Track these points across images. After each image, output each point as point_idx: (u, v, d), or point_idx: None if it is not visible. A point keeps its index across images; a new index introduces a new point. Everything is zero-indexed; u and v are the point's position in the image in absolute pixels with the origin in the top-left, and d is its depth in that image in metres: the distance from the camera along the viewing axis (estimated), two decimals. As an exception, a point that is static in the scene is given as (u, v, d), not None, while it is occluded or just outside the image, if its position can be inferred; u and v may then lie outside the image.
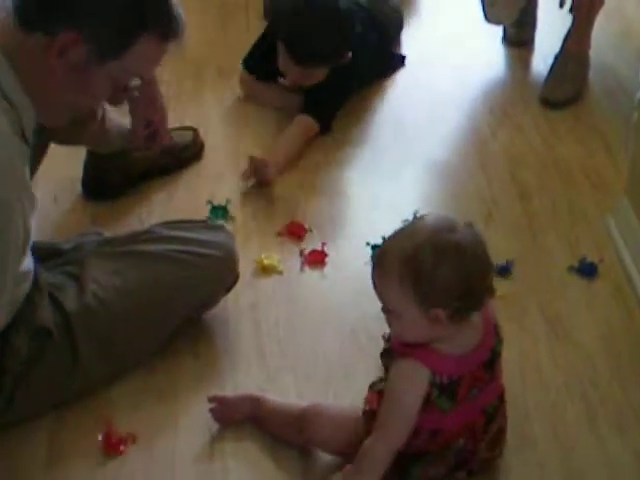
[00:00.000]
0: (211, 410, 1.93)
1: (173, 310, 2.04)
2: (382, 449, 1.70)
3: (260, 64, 2.91)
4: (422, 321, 1.64)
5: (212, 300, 2.13)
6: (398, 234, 1.71)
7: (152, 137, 2.34)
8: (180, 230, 2.12)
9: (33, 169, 2.04)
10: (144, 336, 2.02)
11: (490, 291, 1.69)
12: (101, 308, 1.95)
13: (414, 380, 1.66)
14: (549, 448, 1.91)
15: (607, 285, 2.30)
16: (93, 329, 1.94)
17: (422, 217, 1.74)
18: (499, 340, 1.77)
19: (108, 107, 2.28)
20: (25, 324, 1.87)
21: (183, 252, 2.05)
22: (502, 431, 1.82)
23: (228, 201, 2.50)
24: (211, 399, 1.94)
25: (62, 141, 2.30)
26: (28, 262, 1.85)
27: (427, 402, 1.67)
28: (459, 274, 1.61)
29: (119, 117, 2.39)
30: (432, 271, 1.61)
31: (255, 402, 1.93)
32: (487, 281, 1.67)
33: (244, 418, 1.93)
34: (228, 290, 2.15)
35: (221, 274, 2.10)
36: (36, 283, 1.91)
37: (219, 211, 2.48)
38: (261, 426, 1.92)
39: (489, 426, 1.76)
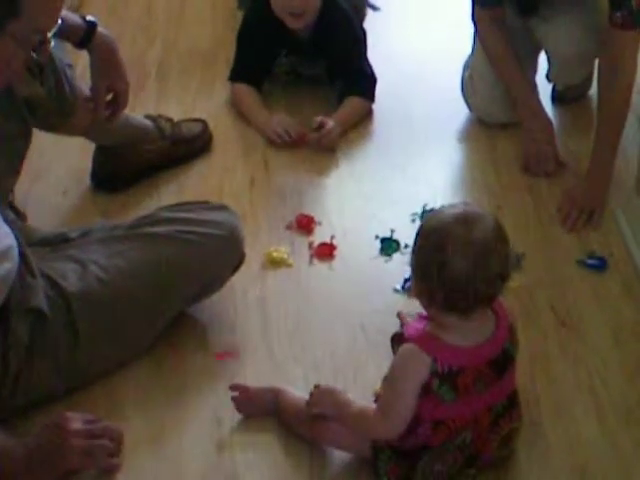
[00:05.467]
0: (233, 398, 1.94)
1: (177, 289, 2.04)
2: (378, 430, 1.73)
3: (254, 64, 2.89)
4: (425, 297, 1.69)
5: (217, 280, 2.12)
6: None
7: (114, 103, 2.27)
8: (182, 211, 2.12)
9: (17, 156, 2.05)
10: (148, 317, 2.02)
11: (490, 295, 1.67)
12: (103, 289, 1.96)
13: (414, 365, 1.67)
14: (557, 442, 1.90)
15: (616, 279, 2.30)
16: (94, 310, 1.94)
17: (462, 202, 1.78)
18: (513, 343, 1.77)
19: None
20: (21, 309, 1.87)
21: (186, 232, 2.05)
22: (515, 431, 1.82)
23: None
24: (233, 387, 1.94)
25: (49, 128, 2.30)
26: (5, 239, 1.85)
27: (428, 392, 1.67)
28: (472, 266, 1.62)
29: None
30: (431, 251, 1.65)
31: (275, 394, 1.93)
32: (488, 285, 1.65)
33: (265, 410, 1.94)
34: (234, 270, 2.14)
35: (225, 253, 2.10)
36: (28, 266, 1.92)
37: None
38: (280, 419, 1.92)
39: (497, 426, 1.76)
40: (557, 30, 2.66)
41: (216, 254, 2.08)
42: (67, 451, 1.79)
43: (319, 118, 2.72)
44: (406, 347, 1.69)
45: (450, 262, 1.62)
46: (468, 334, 1.70)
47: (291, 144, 2.72)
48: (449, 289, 1.64)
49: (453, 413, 1.70)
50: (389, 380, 1.73)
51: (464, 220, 1.65)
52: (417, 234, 1.70)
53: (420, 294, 1.71)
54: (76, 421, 1.81)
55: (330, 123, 2.71)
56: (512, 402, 1.79)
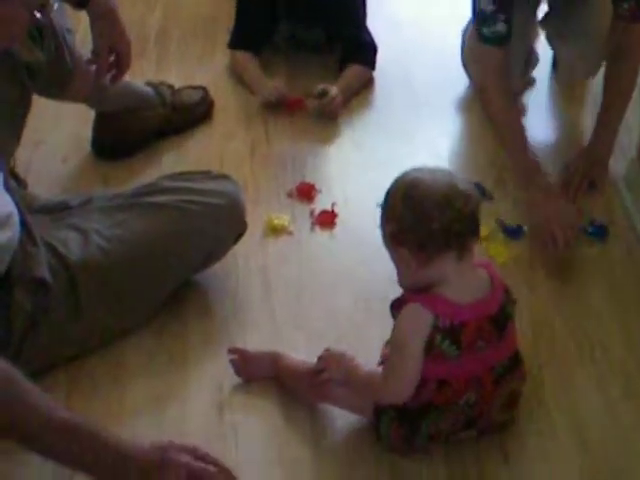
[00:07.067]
0: (231, 361, 1.95)
1: (179, 259, 2.04)
2: (386, 394, 1.74)
3: (254, 31, 2.89)
4: (399, 260, 1.71)
5: (219, 250, 2.13)
6: None
7: (116, 64, 2.26)
8: (184, 181, 2.12)
9: (17, 121, 2.05)
10: (150, 286, 2.03)
11: (453, 235, 1.66)
12: (104, 259, 1.96)
13: (416, 322, 1.68)
14: (558, 411, 1.91)
15: (618, 247, 2.30)
16: (96, 280, 1.94)
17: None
18: (510, 301, 1.78)
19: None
20: (24, 278, 1.87)
21: (187, 202, 2.05)
22: (517, 394, 1.83)
23: None
24: (232, 351, 1.96)
25: (49, 95, 2.28)
26: (6, 207, 1.85)
27: (432, 348, 1.68)
28: (407, 205, 1.67)
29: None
30: (388, 203, 1.71)
31: (274, 357, 1.94)
32: (444, 222, 1.65)
33: (264, 373, 1.95)
34: (236, 240, 2.14)
35: (227, 222, 2.10)
36: (30, 235, 1.92)
37: None
38: (280, 383, 1.94)
39: (499, 386, 1.77)
40: (570, 51, 2.60)
41: (218, 224, 2.08)
42: None
43: (322, 85, 2.71)
44: (407, 307, 1.70)
45: (417, 201, 1.66)
46: (465, 289, 1.71)
47: (287, 108, 2.72)
48: (421, 233, 1.66)
49: (456, 371, 1.72)
50: (394, 343, 1.74)
51: (423, 168, 1.75)
52: (384, 212, 1.73)
53: (399, 267, 1.74)
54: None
55: (334, 90, 2.70)
56: (514, 362, 1.80)
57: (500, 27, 2.33)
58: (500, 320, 1.74)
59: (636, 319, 2.11)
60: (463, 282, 1.71)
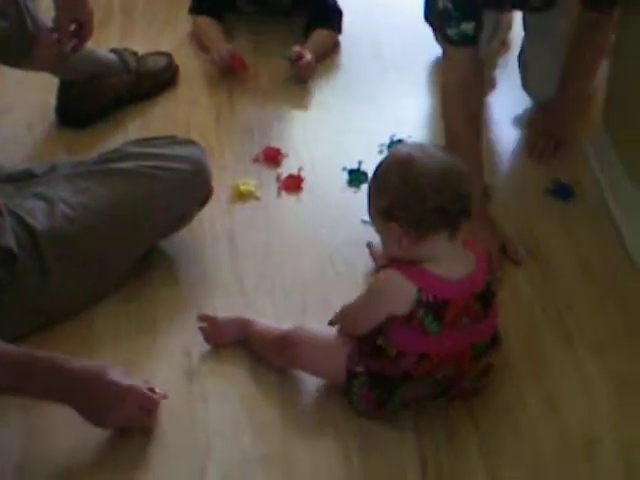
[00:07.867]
0: (201, 329, 1.95)
1: (145, 226, 2.04)
2: (346, 326, 1.80)
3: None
4: (389, 236, 1.69)
5: (186, 215, 2.12)
6: None
7: (77, 33, 2.26)
8: (149, 146, 2.11)
9: None
10: (116, 253, 2.02)
11: (447, 214, 1.65)
12: (70, 227, 1.95)
13: (398, 293, 1.67)
14: (526, 371, 1.92)
15: (583, 208, 2.31)
16: (62, 248, 1.94)
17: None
18: (493, 278, 1.79)
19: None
20: None
21: (152, 167, 2.04)
22: (490, 368, 1.84)
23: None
24: (201, 318, 1.95)
25: (12, 63, 2.27)
26: None
27: (412, 320, 1.68)
28: (402, 181, 1.65)
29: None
30: (381, 178, 1.69)
31: (243, 324, 1.94)
32: (439, 201, 1.64)
33: (233, 339, 1.95)
34: (202, 205, 2.14)
35: (192, 187, 2.09)
36: None
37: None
38: (249, 348, 1.94)
39: (477, 361, 1.77)
40: (536, 77, 2.56)
41: (183, 189, 2.07)
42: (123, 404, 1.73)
43: (297, 48, 2.70)
44: (389, 272, 1.69)
45: (413, 178, 1.64)
46: (452, 266, 1.70)
47: (229, 67, 2.70)
48: (414, 210, 1.64)
49: (438, 346, 1.71)
50: (367, 295, 1.75)
51: (414, 144, 1.73)
52: (376, 186, 1.71)
53: (387, 241, 1.72)
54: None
55: (308, 55, 2.69)
56: (494, 340, 1.80)
57: (465, 27, 2.07)
58: (486, 297, 1.74)
59: (601, 278, 2.12)
60: (452, 260, 1.70)
